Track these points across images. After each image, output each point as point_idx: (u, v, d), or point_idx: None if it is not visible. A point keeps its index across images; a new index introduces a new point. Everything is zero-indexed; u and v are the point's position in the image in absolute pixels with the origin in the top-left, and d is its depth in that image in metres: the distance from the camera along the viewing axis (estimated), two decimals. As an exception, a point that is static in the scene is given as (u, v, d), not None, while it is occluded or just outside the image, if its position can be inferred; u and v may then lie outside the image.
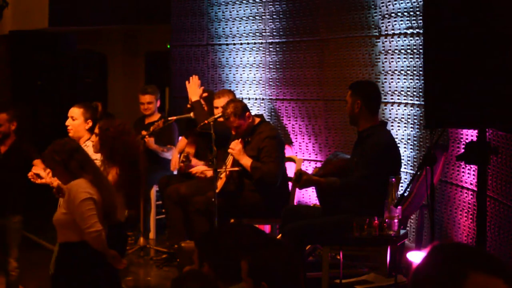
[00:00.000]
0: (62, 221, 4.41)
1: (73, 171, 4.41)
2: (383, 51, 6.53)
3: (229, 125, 6.31)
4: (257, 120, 6.44)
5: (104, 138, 5.01)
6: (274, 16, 7.60)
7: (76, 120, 5.78)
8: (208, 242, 3.53)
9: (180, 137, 7.80)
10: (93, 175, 4.43)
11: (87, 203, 4.31)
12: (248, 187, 6.35)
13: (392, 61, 6.42)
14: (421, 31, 5.82)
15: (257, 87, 7.81)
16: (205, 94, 7.05)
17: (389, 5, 6.42)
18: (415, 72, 6.16)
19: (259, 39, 7.76)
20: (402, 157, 5.68)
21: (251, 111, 6.50)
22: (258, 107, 7.78)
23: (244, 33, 7.89)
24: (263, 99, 7.74)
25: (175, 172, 7.81)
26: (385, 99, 6.42)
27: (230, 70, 8.08)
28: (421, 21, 5.81)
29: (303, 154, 7.31)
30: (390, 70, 6.46)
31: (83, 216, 4.30)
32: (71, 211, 4.34)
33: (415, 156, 6.21)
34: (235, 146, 6.22)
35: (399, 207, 5.04)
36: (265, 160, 6.16)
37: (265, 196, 6.27)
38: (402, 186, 5.96)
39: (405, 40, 6.25)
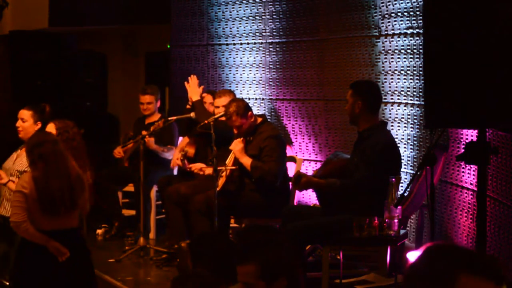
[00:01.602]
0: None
1: (29, 164, 4.89)
2: (383, 51, 6.53)
3: (231, 124, 6.32)
4: (259, 120, 6.45)
5: (64, 139, 5.33)
6: (274, 16, 7.60)
7: (27, 122, 6.02)
8: (200, 244, 3.54)
9: (180, 138, 7.81)
10: (42, 172, 4.75)
11: (17, 195, 4.76)
12: (248, 186, 6.36)
13: (392, 61, 6.42)
14: (421, 31, 5.82)
15: (257, 87, 7.81)
16: (205, 95, 7.07)
17: (389, 5, 6.42)
18: (415, 72, 6.16)
19: (259, 39, 7.76)
20: (402, 157, 5.68)
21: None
22: (258, 107, 7.78)
23: (244, 33, 7.89)
24: (263, 99, 7.74)
25: (175, 171, 7.81)
26: (385, 99, 6.42)
27: (230, 70, 8.08)
28: (421, 21, 5.81)
29: (303, 154, 7.31)
30: (390, 70, 6.46)
31: (11, 205, 4.83)
32: None
33: (415, 156, 6.21)
34: (236, 146, 6.24)
35: (399, 207, 5.05)
36: (266, 159, 6.18)
37: (265, 196, 6.28)
38: (402, 186, 5.96)
39: (405, 40, 6.25)
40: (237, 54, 7.99)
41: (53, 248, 4.80)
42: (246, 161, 6.21)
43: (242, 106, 6.29)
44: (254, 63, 7.82)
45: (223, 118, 6.63)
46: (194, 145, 7.28)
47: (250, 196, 6.33)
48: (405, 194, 4.74)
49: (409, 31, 6.20)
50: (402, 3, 6.27)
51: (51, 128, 5.65)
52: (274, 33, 7.61)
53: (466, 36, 4.21)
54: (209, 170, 6.58)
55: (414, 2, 6.12)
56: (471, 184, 5.40)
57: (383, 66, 6.53)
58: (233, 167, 6.31)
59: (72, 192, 4.82)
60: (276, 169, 6.19)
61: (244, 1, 7.86)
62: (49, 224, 4.80)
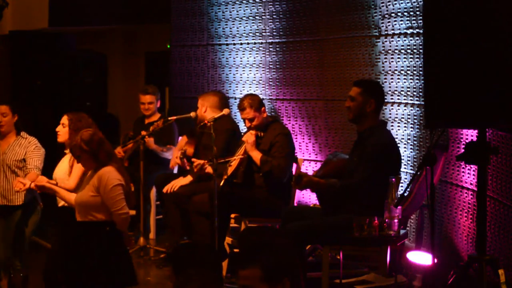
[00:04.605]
0: (89, 203, 4.96)
1: (102, 160, 4.98)
2: (383, 51, 6.53)
3: (244, 117, 6.48)
4: (271, 119, 6.64)
5: (76, 129, 5.51)
6: (274, 16, 7.60)
7: (8, 115, 6.08)
8: (181, 257, 3.54)
9: (180, 137, 7.81)
10: (118, 165, 5.04)
11: (118, 188, 4.91)
12: (256, 181, 6.40)
13: (392, 61, 6.42)
14: (421, 31, 5.82)
15: (257, 87, 7.81)
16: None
17: (389, 5, 6.42)
18: (415, 72, 6.16)
19: (259, 39, 7.76)
20: (402, 157, 5.68)
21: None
22: (258, 107, 7.78)
23: (244, 33, 7.89)
24: (263, 99, 7.73)
25: (175, 170, 7.81)
26: (385, 99, 6.41)
27: (230, 70, 8.08)
28: (421, 21, 5.81)
29: (303, 154, 7.31)
30: (390, 70, 6.46)
31: (114, 200, 4.89)
32: (101, 194, 4.89)
33: (415, 156, 6.21)
34: (249, 138, 6.33)
35: (399, 207, 5.05)
36: (276, 155, 6.31)
37: (270, 193, 6.32)
38: (402, 186, 5.96)
39: (405, 40, 6.25)
40: (237, 54, 7.99)
41: (127, 237, 5.04)
42: (256, 155, 6.33)
43: (256, 100, 6.51)
44: (254, 63, 7.82)
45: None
46: (193, 145, 7.28)
47: (255, 193, 6.36)
48: (405, 194, 4.74)
49: (409, 31, 6.20)
50: (402, 3, 6.27)
51: (64, 120, 5.68)
52: (274, 33, 7.61)
53: (466, 36, 4.21)
54: (209, 169, 6.63)
55: (414, 2, 6.12)
56: (471, 184, 5.40)
57: (383, 66, 6.53)
58: (243, 156, 6.40)
59: None
60: (285, 166, 6.31)
61: (244, 1, 7.86)
62: None
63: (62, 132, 5.67)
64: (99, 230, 4.90)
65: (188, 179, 6.86)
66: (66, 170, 5.52)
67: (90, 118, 5.70)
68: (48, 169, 5.92)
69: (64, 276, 4.96)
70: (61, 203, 5.52)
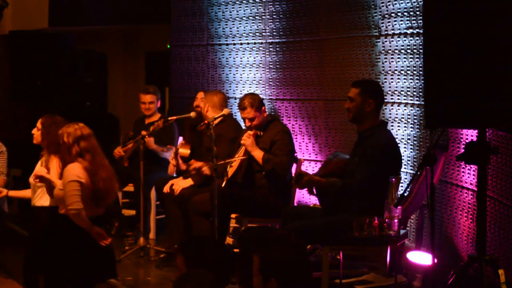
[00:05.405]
0: (58, 195, 5.05)
1: (73, 155, 4.99)
2: (383, 51, 6.53)
3: (244, 116, 6.47)
4: (270, 118, 6.66)
5: (46, 133, 5.55)
6: (274, 16, 7.60)
7: None
8: (192, 249, 3.55)
9: (180, 138, 7.81)
10: (89, 163, 4.98)
11: (73, 184, 4.90)
12: (257, 181, 6.40)
13: (392, 61, 6.42)
14: (421, 31, 5.82)
15: (257, 87, 7.81)
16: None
17: (389, 5, 6.42)
18: (415, 72, 6.16)
19: (259, 39, 7.76)
20: (402, 157, 5.68)
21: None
22: (258, 107, 7.78)
23: (244, 33, 7.89)
24: (263, 99, 7.73)
25: (174, 174, 7.82)
26: (385, 99, 6.41)
27: (230, 70, 8.08)
28: (421, 21, 5.81)
29: (303, 154, 7.32)
30: (390, 70, 6.46)
31: (67, 195, 4.91)
32: (63, 188, 4.96)
33: (415, 156, 6.21)
34: (247, 139, 6.33)
35: (399, 207, 5.05)
36: (278, 152, 6.34)
37: (270, 194, 6.32)
38: (402, 186, 5.96)
39: (405, 40, 6.25)
40: (237, 54, 7.99)
41: (96, 234, 4.96)
42: (258, 153, 6.34)
43: (257, 100, 6.51)
44: (254, 63, 7.83)
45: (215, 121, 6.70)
46: (188, 145, 7.27)
47: (253, 194, 6.36)
48: (405, 194, 4.74)
49: (409, 31, 6.20)
50: (402, 3, 6.27)
51: (38, 123, 5.70)
52: (274, 33, 7.61)
53: (466, 36, 4.22)
54: (206, 171, 6.61)
55: (414, 2, 6.12)
56: (471, 184, 5.40)
57: (383, 66, 6.53)
58: (243, 157, 6.40)
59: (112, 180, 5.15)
60: (287, 163, 6.34)
61: (244, 1, 7.86)
62: (91, 211, 4.99)
63: (36, 134, 5.69)
64: (61, 222, 4.99)
65: (189, 182, 6.85)
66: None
67: (65, 121, 5.67)
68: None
69: (35, 265, 5.11)
70: (33, 203, 5.61)
